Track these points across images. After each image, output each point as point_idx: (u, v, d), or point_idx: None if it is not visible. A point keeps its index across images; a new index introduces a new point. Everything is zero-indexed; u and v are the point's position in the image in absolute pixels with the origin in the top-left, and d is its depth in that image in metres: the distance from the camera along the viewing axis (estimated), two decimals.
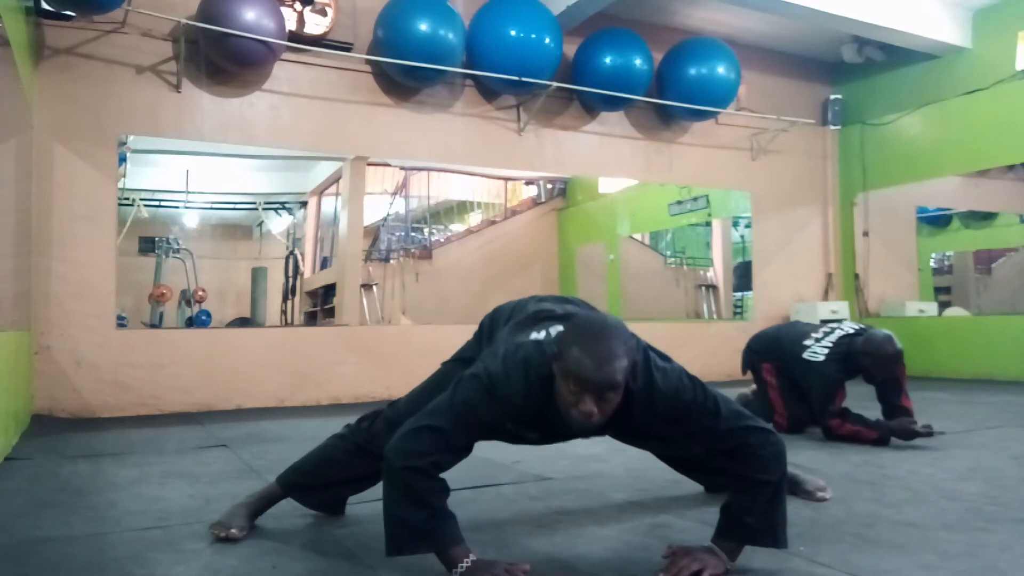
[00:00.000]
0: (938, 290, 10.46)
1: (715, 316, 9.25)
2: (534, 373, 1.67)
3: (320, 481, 2.12)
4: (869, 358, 3.34)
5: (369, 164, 6.75)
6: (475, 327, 2.13)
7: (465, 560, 1.61)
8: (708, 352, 6.92)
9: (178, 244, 8.32)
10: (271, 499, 2.14)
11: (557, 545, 1.92)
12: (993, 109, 6.67)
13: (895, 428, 3.27)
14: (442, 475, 1.69)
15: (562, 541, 1.95)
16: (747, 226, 8.25)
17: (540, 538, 1.98)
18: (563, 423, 1.67)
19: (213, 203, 9.00)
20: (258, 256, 9.06)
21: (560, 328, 1.73)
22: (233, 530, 1.98)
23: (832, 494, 2.35)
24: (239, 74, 5.19)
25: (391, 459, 1.66)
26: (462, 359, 2.09)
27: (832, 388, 3.41)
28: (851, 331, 3.52)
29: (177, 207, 8.74)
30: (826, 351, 3.45)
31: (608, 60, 6.13)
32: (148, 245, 8.18)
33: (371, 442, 2.02)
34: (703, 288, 9.61)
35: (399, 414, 1.96)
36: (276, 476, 2.18)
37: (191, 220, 9.03)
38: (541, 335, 1.76)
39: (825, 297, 7.85)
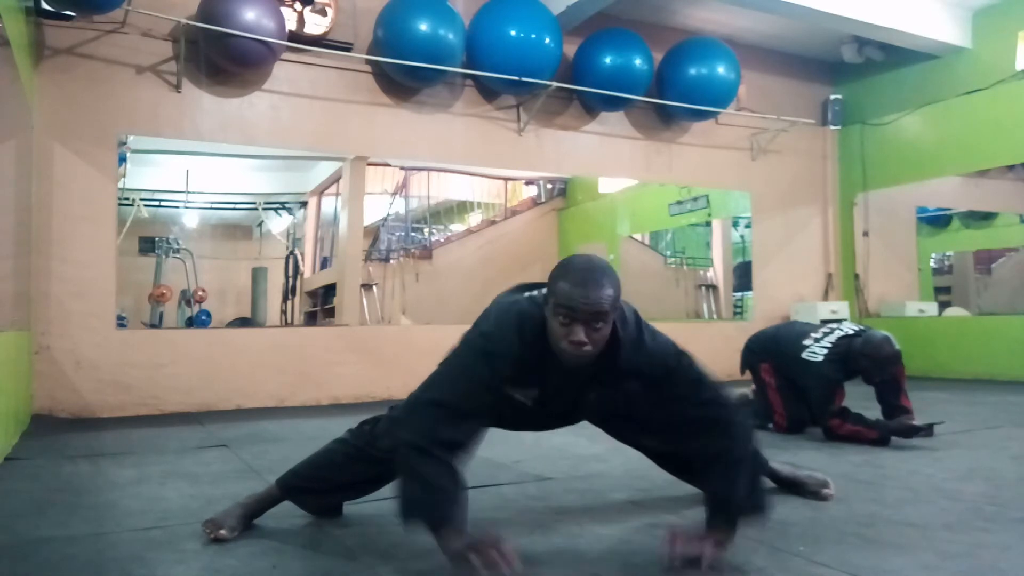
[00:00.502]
0: (938, 290, 10.47)
1: (715, 316, 9.25)
2: (528, 324, 1.72)
3: (319, 485, 2.12)
4: (868, 359, 3.34)
5: (369, 164, 6.75)
6: None
7: (457, 541, 1.58)
8: (708, 352, 6.88)
9: (178, 244, 8.32)
10: (269, 502, 2.14)
11: (557, 545, 1.91)
12: (993, 109, 6.66)
13: (894, 428, 3.27)
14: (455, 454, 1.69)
15: (562, 541, 1.95)
16: (747, 226, 8.25)
17: (540, 538, 1.98)
18: (562, 376, 1.73)
19: (213, 203, 9.00)
20: (258, 256, 9.07)
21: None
22: (223, 531, 1.97)
23: (835, 491, 2.36)
24: (239, 74, 5.19)
25: (399, 434, 1.72)
26: None
27: (830, 388, 3.41)
28: (850, 332, 3.52)
29: (177, 207, 8.74)
30: (825, 351, 3.45)
31: (608, 60, 6.12)
32: (148, 245, 8.18)
33: (372, 446, 2.02)
34: (703, 288, 9.61)
35: None
36: (276, 477, 2.18)
37: (191, 220, 9.03)
38: (533, 292, 1.82)
39: (825, 297, 7.85)
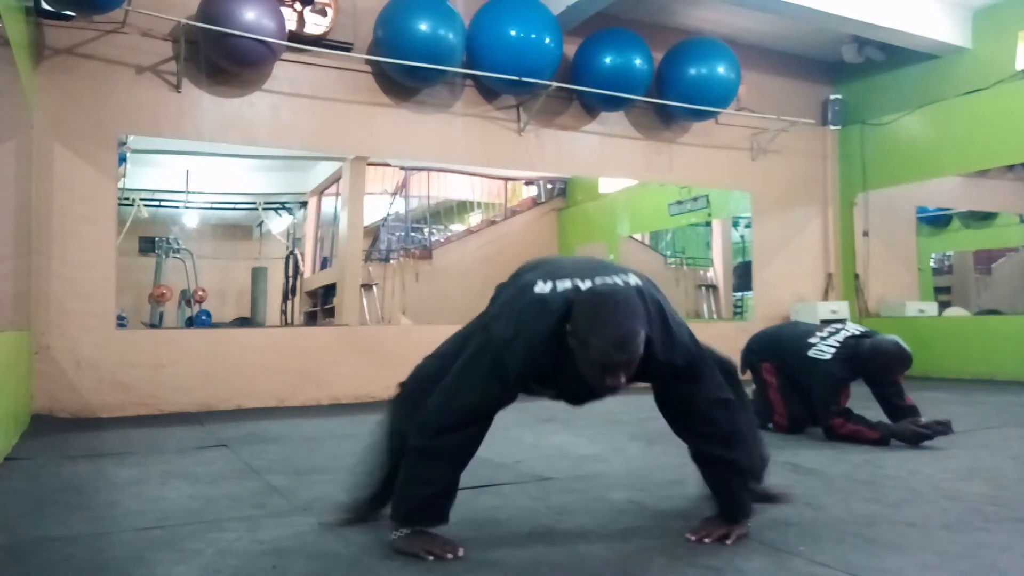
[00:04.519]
0: (938, 290, 10.46)
1: (715, 316, 9.25)
2: (545, 335, 1.72)
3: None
4: (881, 360, 3.35)
5: (369, 164, 6.75)
6: None
7: (403, 530, 1.80)
8: None
9: (178, 244, 8.32)
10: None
11: (557, 545, 1.91)
12: (993, 109, 6.66)
13: (898, 431, 3.26)
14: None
15: (562, 541, 1.95)
16: (747, 226, 8.25)
17: (540, 538, 1.98)
18: (579, 380, 1.74)
19: (213, 203, 9.00)
20: (258, 256, 9.06)
21: (566, 284, 1.76)
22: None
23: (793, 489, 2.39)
24: (239, 74, 5.19)
25: (414, 433, 1.80)
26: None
27: (836, 386, 3.40)
28: (857, 332, 3.52)
29: (177, 207, 8.74)
30: (833, 350, 3.44)
31: (608, 60, 6.12)
32: (148, 245, 8.17)
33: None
34: (703, 288, 9.61)
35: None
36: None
37: (191, 220, 9.03)
38: (546, 288, 1.77)
39: (825, 297, 7.84)
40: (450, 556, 1.75)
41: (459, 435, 1.78)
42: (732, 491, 1.93)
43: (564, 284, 1.77)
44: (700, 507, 2.22)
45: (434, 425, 1.78)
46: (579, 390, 1.88)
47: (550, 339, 1.71)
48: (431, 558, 1.74)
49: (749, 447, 1.96)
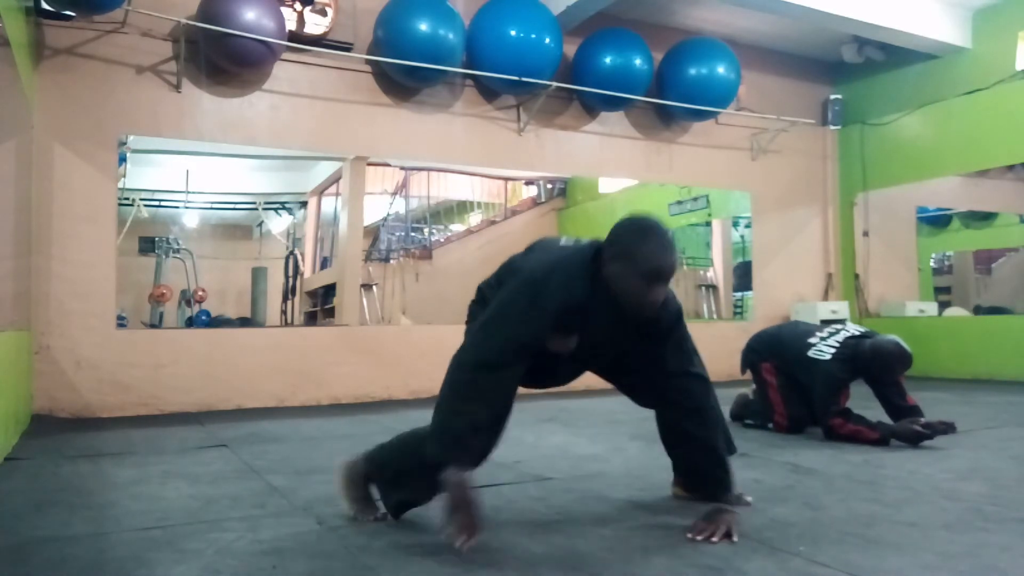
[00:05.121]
0: (938, 290, 10.46)
1: (715, 316, 9.25)
2: (578, 275, 1.84)
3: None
4: (880, 360, 3.35)
5: (369, 164, 6.75)
6: None
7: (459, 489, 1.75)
8: (708, 352, 6.87)
9: (178, 244, 8.32)
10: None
11: (557, 545, 1.91)
12: (993, 109, 6.66)
13: (898, 430, 3.26)
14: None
15: (562, 541, 1.95)
16: (747, 226, 8.25)
17: (540, 538, 1.98)
18: (608, 323, 1.86)
19: (213, 203, 9.00)
20: (258, 256, 9.06)
21: (584, 241, 1.95)
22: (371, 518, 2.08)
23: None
24: (239, 74, 5.19)
25: (452, 370, 1.83)
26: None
27: (836, 387, 3.41)
28: (856, 333, 3.52)
29: (177, 207, 8.74)
30: (832, 350, 3.45)
31: (608, 60, 6.12)
32: (148, 245, 8.18)
33: None
34: (703, 288, 9.60)
35: None
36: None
37: (191, 220, 9.03)
38: (570, 242, 1.97)
39: (825, 297, 7.85)
40: (458, 544, 1.71)
41: (497, 375, 1.79)
42: (706, 470, 2.00)
43: (582, 240, 1.96)
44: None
45: (473, 360, 1.80)
46: (606, 330, 1.95)
47: (584, 273, 1.84)
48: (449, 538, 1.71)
49: (721, 427, 2.01)
